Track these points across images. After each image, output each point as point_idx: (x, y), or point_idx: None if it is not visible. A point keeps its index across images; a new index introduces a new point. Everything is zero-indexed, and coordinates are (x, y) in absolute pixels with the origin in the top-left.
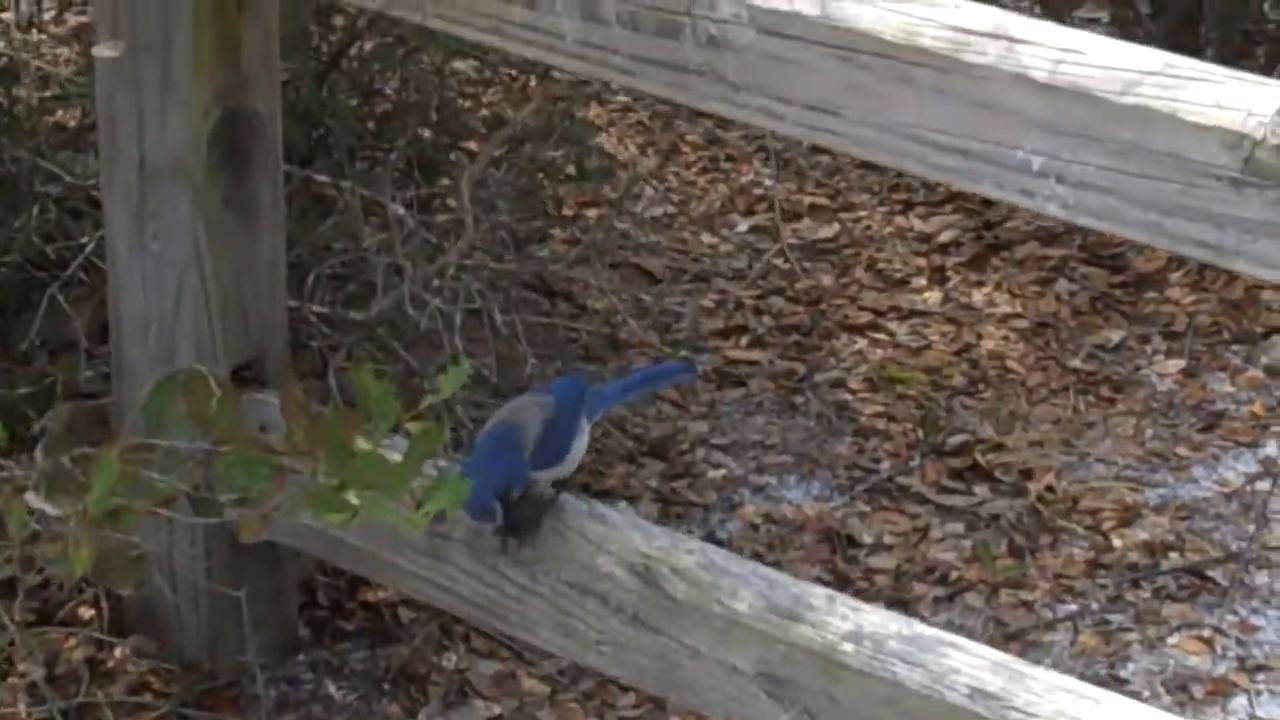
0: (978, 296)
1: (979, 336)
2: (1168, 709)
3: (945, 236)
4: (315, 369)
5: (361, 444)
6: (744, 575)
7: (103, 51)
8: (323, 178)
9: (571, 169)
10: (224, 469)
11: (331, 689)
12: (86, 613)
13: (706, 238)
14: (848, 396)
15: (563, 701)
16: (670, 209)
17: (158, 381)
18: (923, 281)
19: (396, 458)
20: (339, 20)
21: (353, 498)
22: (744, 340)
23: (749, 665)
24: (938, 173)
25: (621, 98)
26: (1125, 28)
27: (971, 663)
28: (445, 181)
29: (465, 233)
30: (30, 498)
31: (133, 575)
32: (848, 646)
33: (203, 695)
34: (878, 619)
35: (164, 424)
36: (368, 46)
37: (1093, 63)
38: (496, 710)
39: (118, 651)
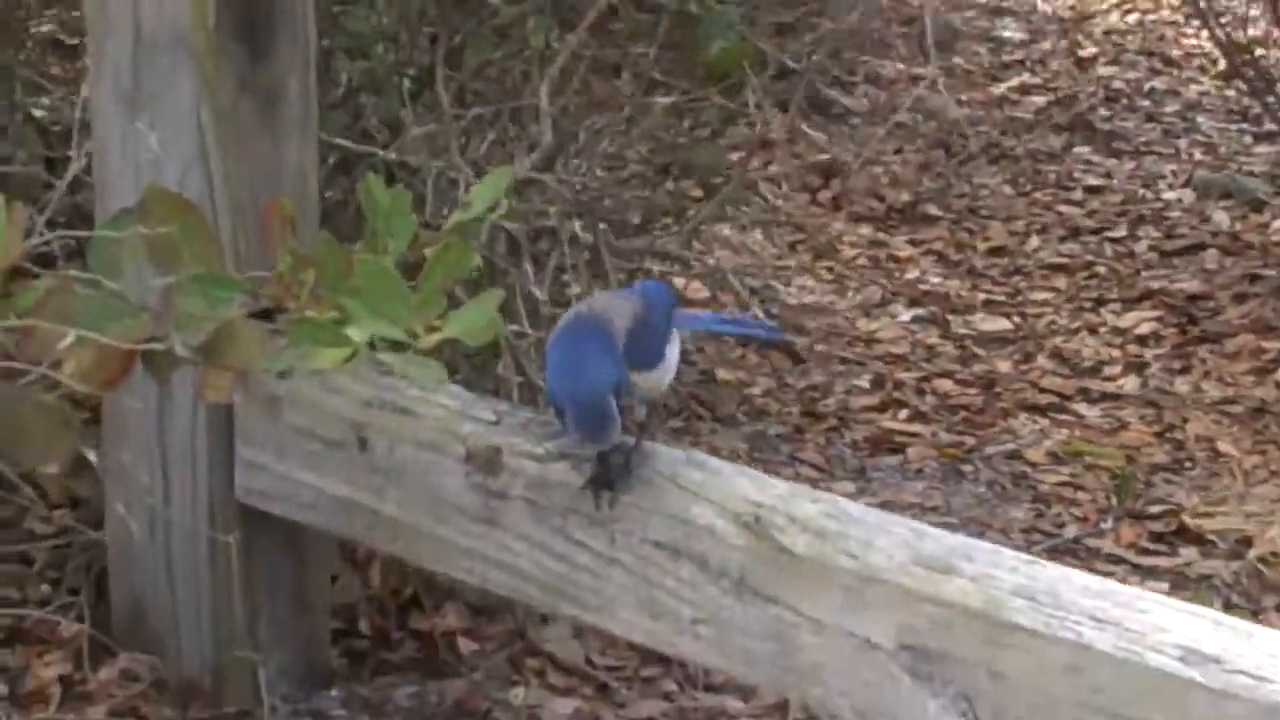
0: (1181, 384)
1: (1184, 420)
2: None
3: (1143, 329)
4: None
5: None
6: (883, 525)
7: None
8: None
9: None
10: (181, 294)
11: None
12: (69, 632)
13: (863, 324)
14: (1026, 468)
15: None
16: (825, 298)
17: (113, 215)
18: (1116, 370)
19: None
20: None
21: (354, 333)
22: (902, 414)
23: (887, 636)
24: None
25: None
26: None
27: (1181, 620)
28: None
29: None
30: None
31: (59, 446)
32: (1018, 602)
33: None
34: (1057, 572)
35: (119, 266)
36: None
37: None
38: None
39: (102, 674)
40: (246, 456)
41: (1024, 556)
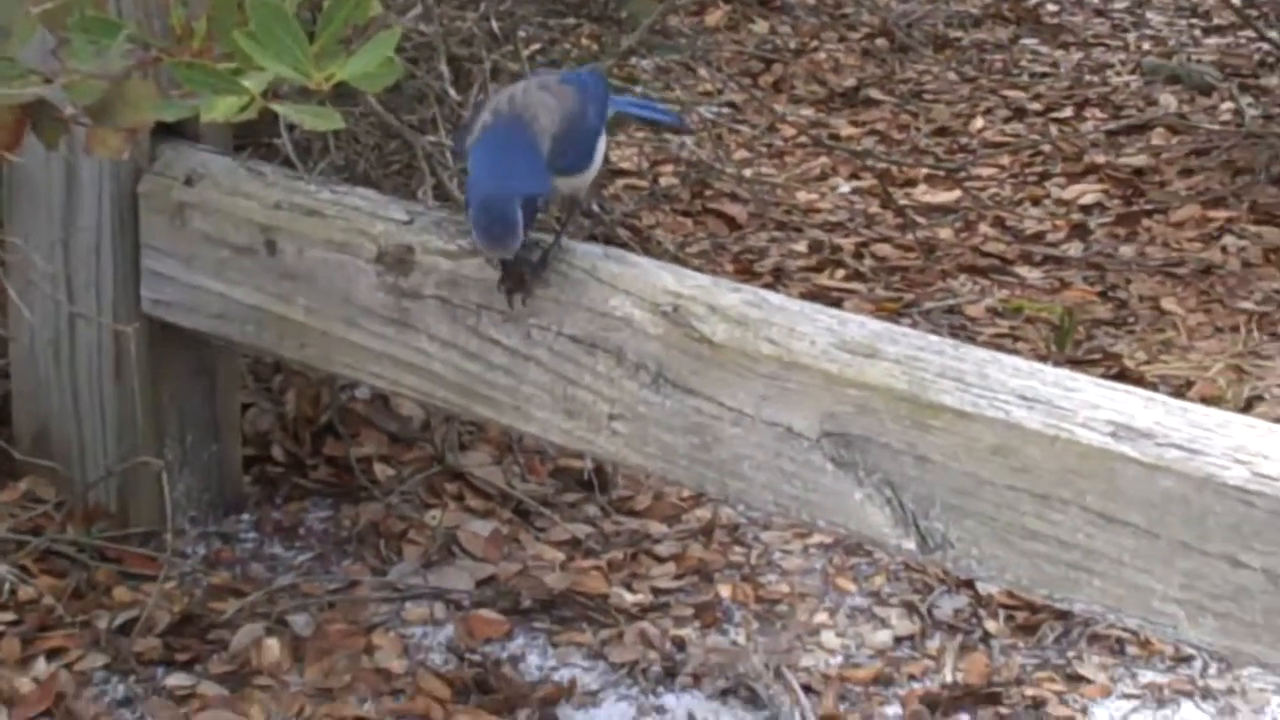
0: (1126, 249)
1: (1127, 280)
2: None
3: (1088, 199)
4: None
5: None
6: (806, 313)
7: None
8: None
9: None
10: (69, 51)
11: (278, 548)
12: None
13: (802, 195)
14: (965, 321)
15: (580, 568)
16: (762, 170)
17: None
18: (1060, 236)
19: None
20: None
21: (250, 82)
22: (839, 273)
23: (810, 425)
24: None
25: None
26: None
27: (1113, 397)
28: None
29: None
30: None
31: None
32: (945, 383)
33: (108, 542)
34: (985, 354)
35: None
36: None
37: None
38: (489, 571)
39: (3, 495)
40: (153, 267)
41: (950, 341)
